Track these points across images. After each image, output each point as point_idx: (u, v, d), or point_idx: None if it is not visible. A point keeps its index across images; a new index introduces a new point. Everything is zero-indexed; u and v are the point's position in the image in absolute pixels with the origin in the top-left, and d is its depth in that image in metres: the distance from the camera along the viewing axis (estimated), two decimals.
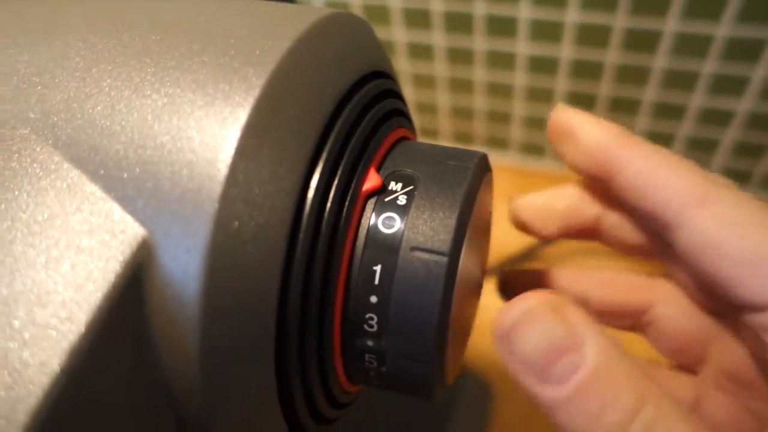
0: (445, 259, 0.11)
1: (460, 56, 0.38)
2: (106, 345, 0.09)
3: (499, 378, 0.34)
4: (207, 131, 0.10)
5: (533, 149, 0.42)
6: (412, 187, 0.12)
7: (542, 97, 0.38)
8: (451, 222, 0.11)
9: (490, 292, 0.40)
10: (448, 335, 0.12)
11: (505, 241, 0.40)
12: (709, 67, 0.33)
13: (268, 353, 0.11)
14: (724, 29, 0.31)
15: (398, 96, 0.15)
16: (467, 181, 0.12)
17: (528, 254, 0.38)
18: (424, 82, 0.40)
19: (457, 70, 0.39)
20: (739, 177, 0.38)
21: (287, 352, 0.11)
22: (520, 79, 0.38)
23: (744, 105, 0.34)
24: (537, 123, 0.40)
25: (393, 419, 0.30)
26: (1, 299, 0.09)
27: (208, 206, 0.10)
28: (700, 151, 0.38)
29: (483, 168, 0.13)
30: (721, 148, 0.37)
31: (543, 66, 0.36)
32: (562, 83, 0.37)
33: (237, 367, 0.10)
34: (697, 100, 0.35)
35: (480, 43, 0.36)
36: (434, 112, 0.43)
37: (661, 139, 0.38)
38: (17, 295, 0.09)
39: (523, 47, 0.36)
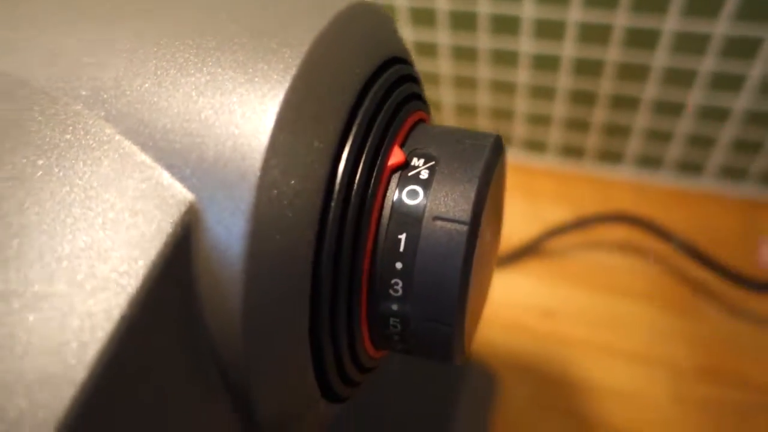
0: (466, 227, 0.12)
1: (464, 54, 0.39)
2: (159, 299, 0.10)
3: (503, 368, 0.35)
4: (248, 106, 0.11)
5: (536, 146, 0.43)
6: (433, 162, 0.13)
7: (544, 94, 0.39)
8: (471, 194, 0.12)
9: (494, 286, 0.41)
10: (468, 299, 0.13)
11: (506, 235, 0.41)
12: (708, 64, 0.34)
13: (303, 313, 0.12)
14: (722, 27, 0.32)
15: (416, 81, 0.15)
16: (485, 158, 0.13)
17: (530, 248, 0.38)
18: (429, 79, 0.41)
19: (462, 67, 0.40)
20: (737, 173, 0.39)
21: (320, 313, 0.12)
22: (523, 76, 0.39)
23: (741, 102, 0.35)
24: (539, 120, 0.41)
25: (399, 406, 0.30)
26: (64, 255, 0.10)
27: (250, 174, 0.11)
28: (698, 147, 0.39)
29: (498, 147, 0.14)
30: (719, 144, 0.38)
31: (546, 63, 0.37)
32: (564, 81, 0.38)
33: (275, 325, 0.11)
34: (696, 97, 0.36)
35: (484, 41, 0.37)
36: (438, 109, 0.43)
37: (660, 135, 0.39)
38: (78, 251, 0.10)
39: (526, 45, 0.37)
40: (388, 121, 0.13)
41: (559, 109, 0.40)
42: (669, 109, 0.37)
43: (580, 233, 0.39)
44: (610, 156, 0.41)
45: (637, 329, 0.35)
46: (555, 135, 0.42)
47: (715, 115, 0.37)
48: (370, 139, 0.12)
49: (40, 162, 0.11)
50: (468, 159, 0.13)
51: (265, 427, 0.13)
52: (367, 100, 0.13)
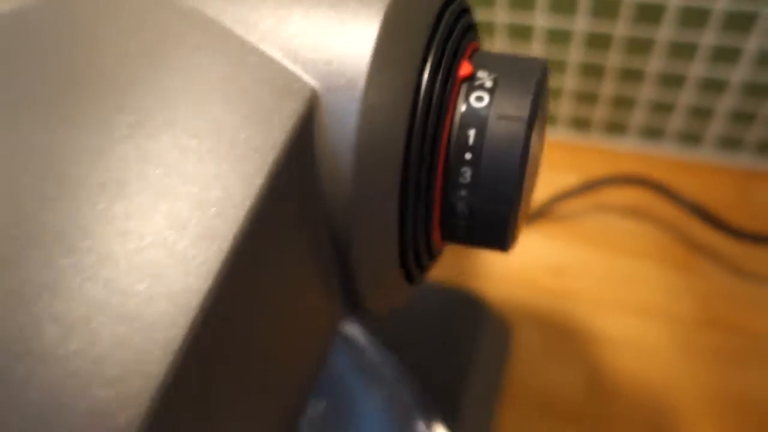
0: (524, 123, 0.15)
1: (481, 29, 0.42)
2: (292, 166, 0.13)
3: (518, 320, 0.37)
4: (356, 19, 0.14)
5: (548, 119, 0.46)
6: (496, 74, 0.16)
7: (557, 67, 0.42)
8: (529, 99, 0.15)
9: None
10: (523, 186, 0.15)
11: None
12: (708, 38, 0.37)
13: (395, 190, 0.14)
14: (722, 2, 0.35)
15: (470, 13, 0.18)
16: (538, 74, 0.16)
17: (540, 211, 0.41)
18: None
19: (481, 42, 0.43)
20: (734, 143, 0.42)
21: (406, 195, 0.15)
22: (537, 50, 0.41)
23: (739, 74, 0.38)
24: (551, 93, 0.44)
25: (421, 355, 0.33)
26: (213, 129, 0.12)
27: (362, 68, 0.13)
28: (698, 118, 0.42)
29: (545, 69, 0.17)
30: (717, 115, 0.41)
31: (558, 37, 0.40)
32: (575, 54, 0.41)
33: (376, 194, 0.14)
34: (697, 69, 0.39)
35: (502, 17, 0.40)
36: None
37: (663, 107, 0.42)
38: (227, 125, 0.12)
39: (541, 20, 0.39)
40: (458, 43, 0.16)
41: (570, 82, 0.43)
42: (672, 81, 0.40)
43: (589, 198, 0.42)
44: (616, 128, 0.44)
45: (643, 285, 0.38)
46: (565, 107, 0.44)
47: (714, 87, 0.39)
48: (445, 55, 0.15)
49: (190, 59, 0.13)
50: (524, 73, 0.16)
51: (361, 295, 0.15)
52: (441, 24, 0.15)
